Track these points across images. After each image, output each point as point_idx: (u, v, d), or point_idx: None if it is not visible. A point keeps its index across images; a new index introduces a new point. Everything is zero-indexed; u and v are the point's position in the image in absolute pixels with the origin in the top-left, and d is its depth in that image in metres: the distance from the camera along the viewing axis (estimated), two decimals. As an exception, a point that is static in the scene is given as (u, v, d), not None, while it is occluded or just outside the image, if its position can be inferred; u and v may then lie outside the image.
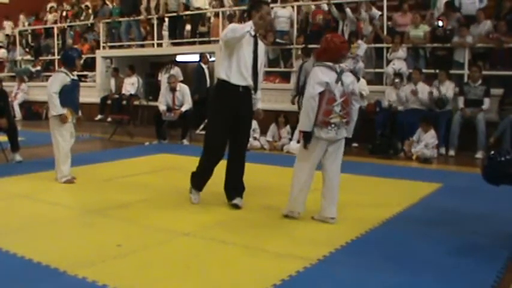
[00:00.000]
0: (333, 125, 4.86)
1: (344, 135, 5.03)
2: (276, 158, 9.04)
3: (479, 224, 5.12)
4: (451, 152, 9.38)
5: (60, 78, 6.86)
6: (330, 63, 4.90)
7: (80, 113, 7.13)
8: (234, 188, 5.68)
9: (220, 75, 5.43)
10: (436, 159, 8.94)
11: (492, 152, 4.57)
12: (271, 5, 12.43)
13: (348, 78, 4.95)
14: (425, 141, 8.92)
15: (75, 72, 7.13)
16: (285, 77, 12.63)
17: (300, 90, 9.94)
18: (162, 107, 10.81)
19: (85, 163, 7.96)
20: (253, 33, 5.30)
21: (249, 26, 5.21)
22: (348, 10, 12.26)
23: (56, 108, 6.77)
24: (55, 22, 18.86)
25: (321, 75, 4.83)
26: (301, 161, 5.09)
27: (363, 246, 4.49)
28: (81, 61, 7.28)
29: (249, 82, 5.40)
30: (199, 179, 5.75)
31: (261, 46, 5.55)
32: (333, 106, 4.82)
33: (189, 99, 10.95)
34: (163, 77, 12.82)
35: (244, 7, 14.38)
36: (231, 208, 5.61)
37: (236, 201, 5.61)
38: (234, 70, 5.33)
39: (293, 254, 4.21)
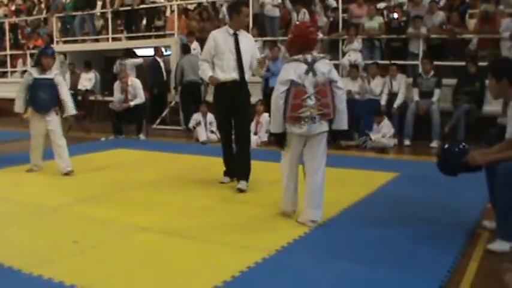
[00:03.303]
0: (306, 119, 4.60)
1: (323, 130, 4.73)
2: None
3: (435, 212, 5.21)
4: (407, 142, 9.52)
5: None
6: (299, 56, 4.68)
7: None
8: (237, 168, 6.18)
9: None
10: (392, 148, 9.05)
11: (446, 144, 4.64)
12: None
13: (324, 66, 4.66)
14: (383, 131, 9.01)
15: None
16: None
17: (178, 84, 12.00)
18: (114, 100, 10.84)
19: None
20: (231, 31, 6.05)
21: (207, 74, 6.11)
22: (287, 2, 12.32)
23: None
24: (5, 16, 18.35)
25: (284, 74, 4.66)
26: (283, 157, 4.95)
27: (322, 235, 4.51)
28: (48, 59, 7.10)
29: (234, 76, 6.01)
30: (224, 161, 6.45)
31: (246, 41, 6.14)
32: (302, 100, 4.58)
33: (141, 94, 10.82)
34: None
35: (198, 1, 14.43)
36: (191, 202, 5.59)
37: (240, 185, 6.02)
38: (218, 70, 6.06)
39: (252, 246, 4.21)
